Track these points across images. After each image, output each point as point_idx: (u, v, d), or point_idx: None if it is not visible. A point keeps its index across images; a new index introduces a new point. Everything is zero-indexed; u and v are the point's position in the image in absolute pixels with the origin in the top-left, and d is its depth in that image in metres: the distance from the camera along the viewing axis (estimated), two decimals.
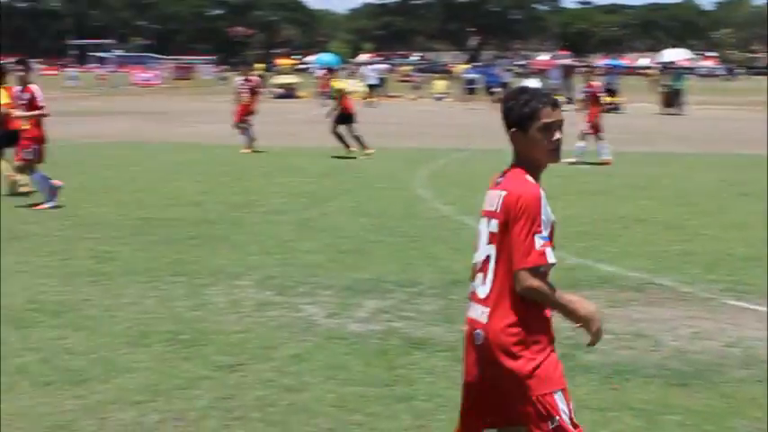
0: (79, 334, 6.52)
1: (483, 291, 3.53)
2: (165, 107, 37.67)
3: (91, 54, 79.05)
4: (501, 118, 3.58)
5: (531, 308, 3.45)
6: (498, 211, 3.48)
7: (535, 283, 3.37)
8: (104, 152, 19.62)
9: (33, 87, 11.98)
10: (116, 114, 32.89)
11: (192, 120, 30.29)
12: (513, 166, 3.57)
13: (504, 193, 3.48)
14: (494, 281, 3.50)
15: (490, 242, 3.53)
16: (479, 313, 3.53)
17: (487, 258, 3.54)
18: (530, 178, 3.50)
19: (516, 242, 3.39)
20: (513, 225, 3.40)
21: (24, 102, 11.94)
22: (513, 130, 3.54)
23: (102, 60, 76.46)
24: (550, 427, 3.39)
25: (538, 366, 3.41)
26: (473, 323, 3.56)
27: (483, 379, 3.54)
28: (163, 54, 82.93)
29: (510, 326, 3.44)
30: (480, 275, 3.57)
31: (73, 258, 9.01)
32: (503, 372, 3.44)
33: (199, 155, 19.15)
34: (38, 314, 7.02)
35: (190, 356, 6.06)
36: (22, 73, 12.04)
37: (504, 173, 3.58)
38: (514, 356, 3.42)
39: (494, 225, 3.51)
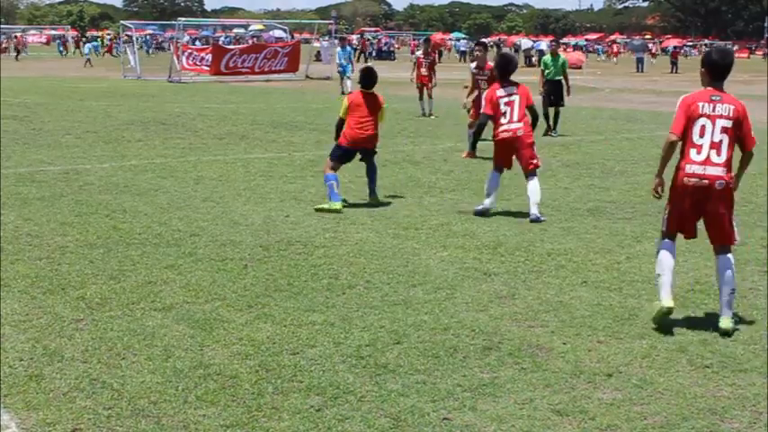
0: (743, 322, 6.38)
1: (720, 159, 6.24)
2: None
3: None
4: None
5: None
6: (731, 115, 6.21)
7: None
8: None
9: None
10: None
11: None
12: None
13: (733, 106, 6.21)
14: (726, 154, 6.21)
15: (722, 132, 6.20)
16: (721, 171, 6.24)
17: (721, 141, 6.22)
18: None
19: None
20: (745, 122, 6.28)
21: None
22: None
23: None
24: None
25: None
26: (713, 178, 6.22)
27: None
28: None
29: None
30: (714, 151, 6.19)
31: (745, 245, 8.80)
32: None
33: None
34: (703, 296, 7.04)
35: None
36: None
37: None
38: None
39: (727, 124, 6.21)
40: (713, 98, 6.24)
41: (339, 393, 5.02)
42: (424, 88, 22.89)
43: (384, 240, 8.84)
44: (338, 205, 10.32)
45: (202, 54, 40.64)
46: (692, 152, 6.25)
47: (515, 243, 8.78)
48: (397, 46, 78.50)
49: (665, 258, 6.36)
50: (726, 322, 6.15)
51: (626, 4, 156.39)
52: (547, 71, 19.48)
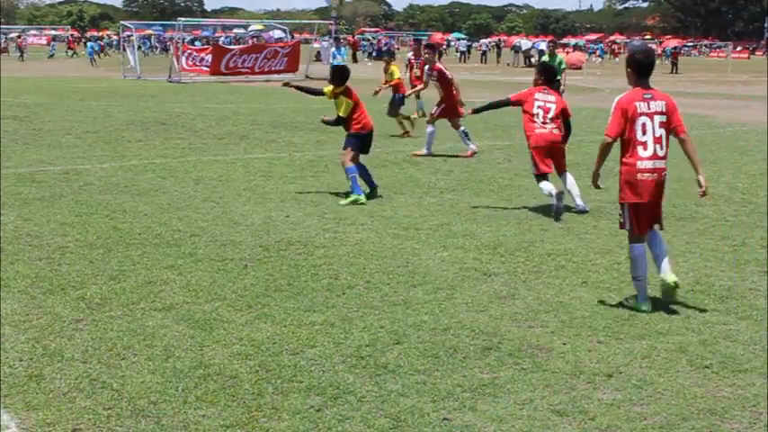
0: (743, 323, 6.39)
1: (663, 152, 6.63)
2: None
3: None
4: None
5: None
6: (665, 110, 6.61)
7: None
8: None
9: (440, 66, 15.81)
10: None
11: None
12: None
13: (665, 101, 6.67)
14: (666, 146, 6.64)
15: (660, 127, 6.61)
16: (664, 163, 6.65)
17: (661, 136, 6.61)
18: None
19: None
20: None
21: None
22: None
23: None
24: None
25: None
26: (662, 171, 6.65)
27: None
28: None
29: None
30: (658, 145, 6.59)
31: (745, 246, 8.84)
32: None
33: None
34: (703, 296, 7.04)
35: None
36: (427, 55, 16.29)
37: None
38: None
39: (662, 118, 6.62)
40: (645, 96, 6.63)
41: (339, 393, 5.02)
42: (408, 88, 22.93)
43: (384, 240, 8.85)
44: (363, 198, 10.71)
45: (202, 54, 40.65)
46: (640, 149, 6.61)
47: (515, 243, 8.78)
48: (396, 46, 78.50)
49: (641, 261, 6.74)
50: (673, 277, 6.75)
51: (626, 5, 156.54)
52: None
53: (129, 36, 46.83)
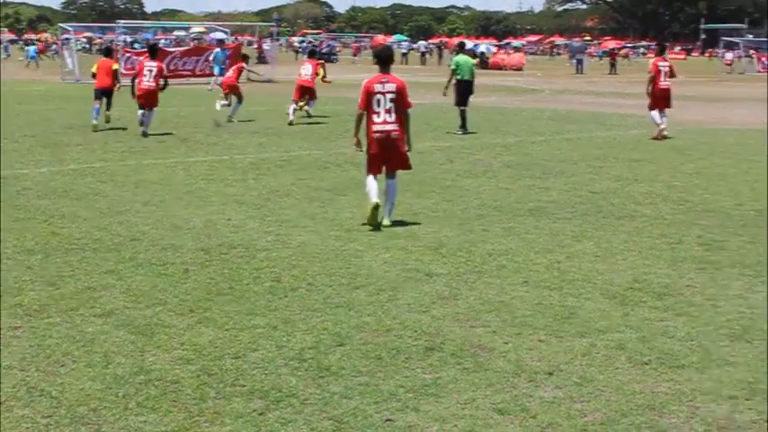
0: (680, 319, 6.51)
1: (392, 119, 9.52)
2: None
3: (725, 39, 77.34)
4: None
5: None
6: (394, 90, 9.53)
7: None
8: (725, 139, 19.23)
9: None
10: (741, 101, 32.03)
11: None
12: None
13: (395, 83, 9.59)
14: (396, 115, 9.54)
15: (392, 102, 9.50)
16: (394, 126, 9.58)
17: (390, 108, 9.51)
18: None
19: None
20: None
21: None
22: None
23: (732, 45, 74.63)
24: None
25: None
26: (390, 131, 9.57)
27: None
28: None
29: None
30: (387, 114, 9.48)
31: (682, 243, 9.01)
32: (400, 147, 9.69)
33: None
34: (642, 294, 7.15)
35: None
36: None
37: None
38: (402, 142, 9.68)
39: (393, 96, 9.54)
40: (383, 80, 9.63)
41: (282, 397, 5.01)
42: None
43: (326, 243, 8.84)
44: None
45: (141, 58, 40.10)
46: (375, 117, 9.59)
47: (457, 244, 8.84)
48: (338, 48, 78.41)
49: (372, 184, 9.56)
50: (387, 221, 9.58)
51: (565, 7, 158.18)
52: (458, 71, 20.38)
53: (67, 39, 46.07)
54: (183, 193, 11.64)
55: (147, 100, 18.39)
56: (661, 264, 8.16)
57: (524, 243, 8.94)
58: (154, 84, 18.39)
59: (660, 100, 19.08)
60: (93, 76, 20.30)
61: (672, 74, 19.38)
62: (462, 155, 15.94)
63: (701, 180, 13.18)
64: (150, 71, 18.51)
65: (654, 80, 19.07)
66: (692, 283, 7.51)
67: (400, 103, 9.56)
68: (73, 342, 5.86)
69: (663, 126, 18.83)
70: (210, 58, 37.75)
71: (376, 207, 9.36)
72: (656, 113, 18.97)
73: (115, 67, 20.22)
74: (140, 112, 18.43)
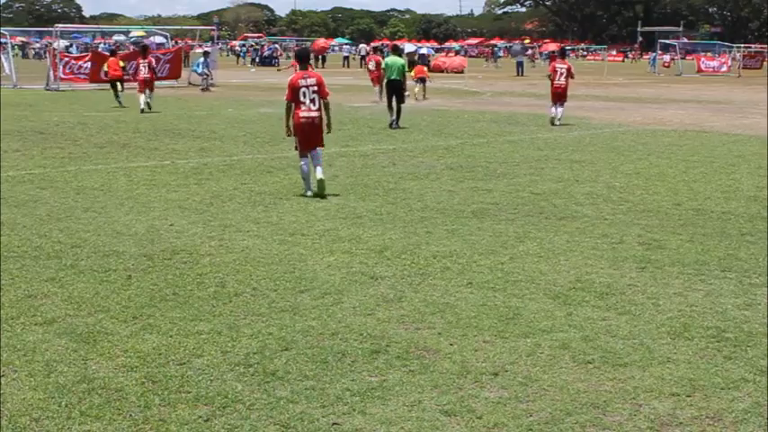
0: (622, 318, 6.60)
1: (315, 107, 11.86)
2: (728, 97, 36.40)
3: (662, 41, 78.80)
4: None
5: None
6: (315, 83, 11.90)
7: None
8: (662, 140, 19.56)
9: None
10: (677, 102, 32.61)
11: (756, 111, 28.83)
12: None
13: (315, 78, 11.99)
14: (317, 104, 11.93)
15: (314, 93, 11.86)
16: (316, 113, 11.90)
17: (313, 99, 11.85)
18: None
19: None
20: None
21: None
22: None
23: (667, 48, 76.00)
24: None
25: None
26: (314, 118, 11.92)
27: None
28: (733, 42, 79.99)
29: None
30: (312, 104, 11.83)
31: (623, 243, 9.14)
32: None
33: (758, 147, 18.18)
34: (584, 293, 7.25)
35: (732, 356, 5.80)
36: None
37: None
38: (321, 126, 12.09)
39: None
40: (305, 76, 11.84)
41: (228, 402, 4.98)
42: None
43: (270, 247, 8.80)
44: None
45: (80, 62, 39.51)
46: (302, 106, 11.74)
47: (401, 246, 8.87)
48: (279, 52, 78.06)
49: (305, 173, 11.82)
50: (321, 176, 11.58)
51: (505, 9, 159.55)
52: (388, 72, 22.43)
53: (3, 43, 45.23)
54: (125, 198, 11.50)
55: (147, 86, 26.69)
56: (603, 263, 8.27)
57: (468, 245, 9.00)
58: (149, 74, 26.94)
59: (554, 96, 22.34)
60: (106, 74, 30.63)
61: (570, 74, 22.44)
62: (405, 157, 15.99)
63: (640, 180, 13.40)
64: (145, 66, 26.88)
65: (551, 79, 22.47)
66: (634, 282, 7.62)
67: (320, 93, 11.85)
68: (13, 351, 5.76)
69: (556, 116, 22.16)
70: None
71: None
72: (552, 108, 22.36)
73: (122, 63, 30.28)
74: (141, 97, 26.02)
